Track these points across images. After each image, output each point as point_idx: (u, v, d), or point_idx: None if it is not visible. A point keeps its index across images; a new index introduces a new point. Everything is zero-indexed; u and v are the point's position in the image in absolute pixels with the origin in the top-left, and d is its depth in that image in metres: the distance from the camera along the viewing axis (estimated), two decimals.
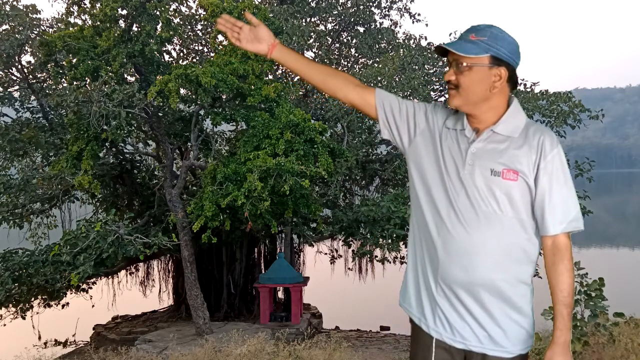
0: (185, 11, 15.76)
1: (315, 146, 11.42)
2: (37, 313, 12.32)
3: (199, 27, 16.51)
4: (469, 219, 1.79)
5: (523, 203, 1.80)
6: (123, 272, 15.57)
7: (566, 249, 1.80)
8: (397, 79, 13.37)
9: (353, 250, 14.18)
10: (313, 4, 16.51)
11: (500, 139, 1.83)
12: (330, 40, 17.37)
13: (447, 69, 1.87)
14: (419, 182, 1.92)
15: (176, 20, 14.27)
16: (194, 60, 16.19)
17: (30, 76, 13.84)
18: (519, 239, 1.81)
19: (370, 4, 16.76)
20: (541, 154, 1.79)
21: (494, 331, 1.81)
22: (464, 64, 1.80)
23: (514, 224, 1.80)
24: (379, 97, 1.99)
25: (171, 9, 13.03)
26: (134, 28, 12.03)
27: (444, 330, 1.84)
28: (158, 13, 11.92)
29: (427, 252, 1.89)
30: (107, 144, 11.95)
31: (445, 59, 1.89)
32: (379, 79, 13.52)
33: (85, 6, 12.12)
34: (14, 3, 13.52)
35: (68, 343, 14.00)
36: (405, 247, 12.34)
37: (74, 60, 11.62)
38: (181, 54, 16.65)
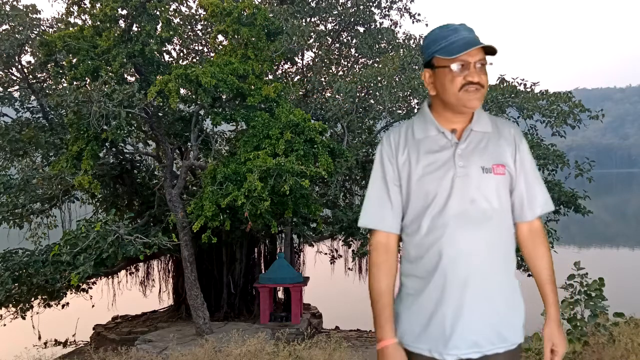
0: (185, 11, 15.76)
1: (315, 146, 11.41)
2: (37, 313, 12.31)
3: (199, 27, 16.50)
4: (467, 219, 1.78)
5: (507, 195, 1.84)
6: (123, 272, 15.57)
7: (542, 230, 1.92)
8: (397, 79, 13.35)
9: (353, 250, 14.18)
10: (313, 4, 16.49)
11: (479, 136, 1.85)
12: (330, 40, 17.36)
13: (466, 67, 1.77)
14: (416, 200, 1.86)
15: (176, 20, 14.26)
16: (194, 60, 16.18)
17: (30, 76, 13.83)
18: (509, 231, 1.86)
19: (370, 4, 16.75)
20: (516, 146, 1.86)
21: (503, 328, 1.81)
22: (488, 63, 1.81)
23: (504, 218, 1.84)
24: (394, 228, 1.90)
25: (171, 9, 13.02)
26: (134, 28, 12.03)
27: (458, 350, 1.79)
28: (158, 13, 11.91)
29: (428, 265, 1.82)
30: (107, 144, 11.94)
31: (461, 59, 1.78)
32: (379, 79, 13.50)
33: (85, 6, 12.12)
34: (14, 3, 13.52)
35: (68, 343, 14.00)
36: None
37: (74, 60, 11.61)
38: (181, 54, 16.64)
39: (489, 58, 1.83)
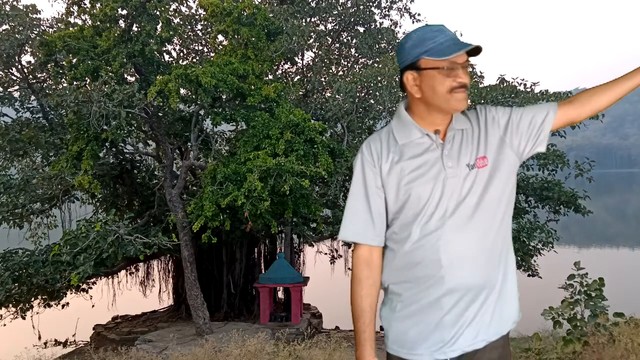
0: (185, 11, 15.77)
1: (315, 146, 11.41)
2: (37, 313, 12.32)
3: (199, 27, 16.51)
4: (461, 220, 1.76)
5: (495, 187, 1.79)
6: (123, 272, 15.58)
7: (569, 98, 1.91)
8: (397, 79, 13.35)
9: (353, 251, 14.15)
10: (313, 4, 16.50)
11: (461, 134, 1.83)
12: (330, 40, 17.36)
13: (456, 69, 1.74)
14: (406, 206, 1.80)
15: (176, 20, 14.26)
16: (194, 60, 16.19)
17: (30, 76, 13.84)
18: (503, 222, 1.82)
19: (370, 4, 16.75)
20: (485, 122, 1.84)
21: (504, 318, 1.81)
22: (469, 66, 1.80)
23: (497, 210, 1.80)
24: (376, 241, 1.85)
25: (171, 9, 13.02)
26: (134, 28, 12.03)
27: (460, 348, 1.76)
28: (158, 13, 11.92)
29: (424, 270, 1.77)
30: (107, 144, 11.95)
31: (452, 60, 1.74)
32: (379, 79, 13.51)
33: (85, 6, 12.12)
34: (14, 3, 13.52)
35: (68, 343, 14.00)
36: None
37: (74, 60, 11.62)
38: (181, 54, 16.65)
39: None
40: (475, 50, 1.77)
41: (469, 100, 1.79)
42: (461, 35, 14.25)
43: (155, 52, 12.33)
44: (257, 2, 14.02)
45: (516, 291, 1.87)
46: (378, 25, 16.87)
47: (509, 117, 1.85)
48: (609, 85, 1.86)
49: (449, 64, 1.73)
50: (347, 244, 14.39)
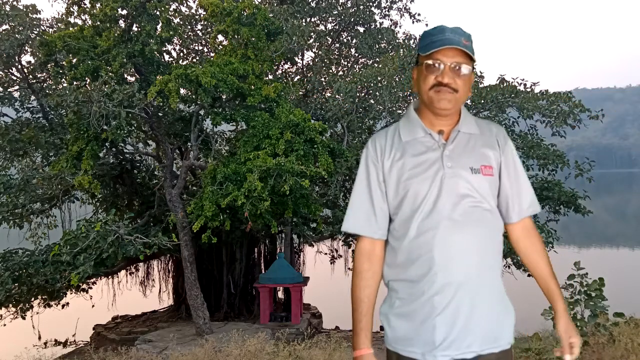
0: (185, 11, 15.77)
1: (315, 146, 11.41)
2: (37, 313, 12.32)
3: (199, 27, 16.51)
4: (457, 220, 1.77)
5: (494, 196, 1.86)
6: (123, 272, 15.57)
7: (534, 226, 1.95)
8: (397, 79, 13.34)
9: (353, 250, 14.15)
10: (313, 4, 16.49)
11: (466, 138, 1.86)
12: (330, 40, 17.35)
13: (440, 67, 1.77)
14: (405, 203, 1.84)
15: (176, 20, 14.26)
16: (194, 60, 16.19)
17: (30, 76, 13.83)
18: (499, 232, 1.87)
19: (370, 4, 16.74)
20: (500, 148, 1.88)
21: (496, 328, 1.81)
22: (469, 69, 1.80)
23: (494, 218, 1.85)
24: (378, 234, 1.88)
25: (171, 9, 13.02)
26: (134, 28, 12.03)
27: (453, 351, 1.76)
28: (158, 13, 11.92)
29: (419, 268, 1.79)
30: (107, 144, 11.94)
31: (434, 57, 1.78)
32: (379, 79, 13.50)
33: (85, 6, 12.12)
34: (14, 3, 13.52)
35: (68, 343, 14.00)
36: None
37: (74, 60, 11.61)
38: (181, 54, 16.65)
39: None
40: (469, 55, 1.79)
41: (468, 100, 1.81)
42: None
43: (155, 52, 12.32)
44: (257, 2, 14.02)
45: (513, 312, 1.89)
46: (378, 25, 16.86)
47: (505, 172, 1.88)
48: (543, 275, 1.96)
49: (434, 62, 1.78)
50: (347, 244, 14.38)
